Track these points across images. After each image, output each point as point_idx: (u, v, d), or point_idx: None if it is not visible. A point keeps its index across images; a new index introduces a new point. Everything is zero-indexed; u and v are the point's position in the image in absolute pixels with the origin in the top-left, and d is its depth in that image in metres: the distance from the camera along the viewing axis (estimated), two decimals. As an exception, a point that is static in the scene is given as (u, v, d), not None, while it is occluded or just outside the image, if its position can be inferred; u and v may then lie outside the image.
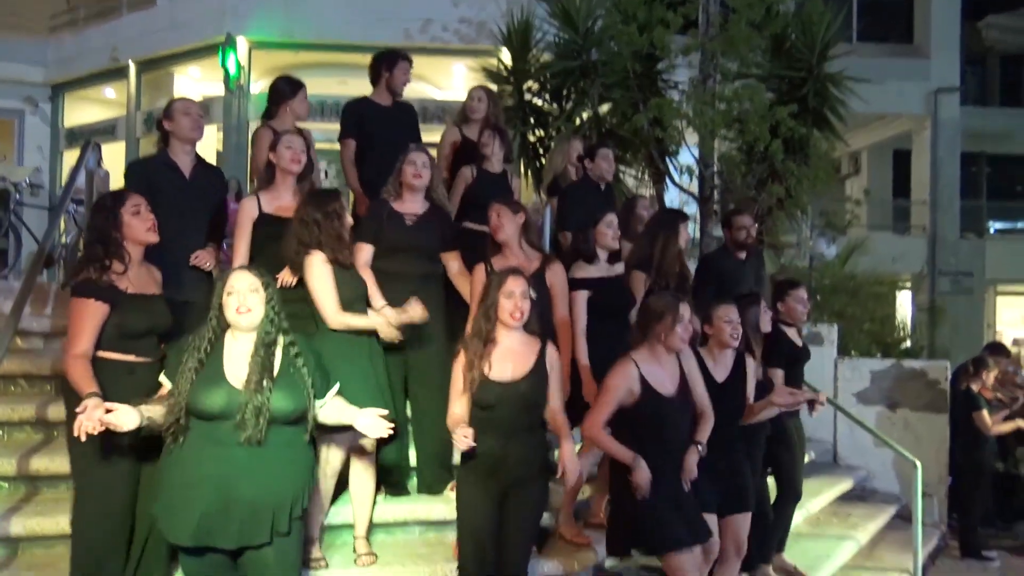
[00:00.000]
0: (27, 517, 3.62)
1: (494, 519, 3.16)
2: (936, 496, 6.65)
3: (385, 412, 3.00)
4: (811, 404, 4.17)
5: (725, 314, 3.81)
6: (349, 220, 3.70)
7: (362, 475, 3.74)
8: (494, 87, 8.16)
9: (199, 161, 4.20)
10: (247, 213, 3.94)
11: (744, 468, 3.82)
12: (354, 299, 3.67)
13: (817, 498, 5.88)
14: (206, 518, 2.73)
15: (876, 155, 18.14)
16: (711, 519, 3.68)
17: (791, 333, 4.61)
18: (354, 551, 3.73)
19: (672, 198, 11.21)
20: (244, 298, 2.85)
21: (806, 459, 6.36)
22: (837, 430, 6.95)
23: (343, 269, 3.66)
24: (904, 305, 15.77)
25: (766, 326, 4.20)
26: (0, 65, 13.94)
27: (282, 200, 3.97)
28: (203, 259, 4.02)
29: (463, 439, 3.03)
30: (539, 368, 3.23)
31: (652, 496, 3.34)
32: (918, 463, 5.27)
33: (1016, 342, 17.97)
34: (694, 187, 8.95)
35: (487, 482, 3.16)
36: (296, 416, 2.86)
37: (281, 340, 2.91)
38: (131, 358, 3.14)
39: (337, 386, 3.07)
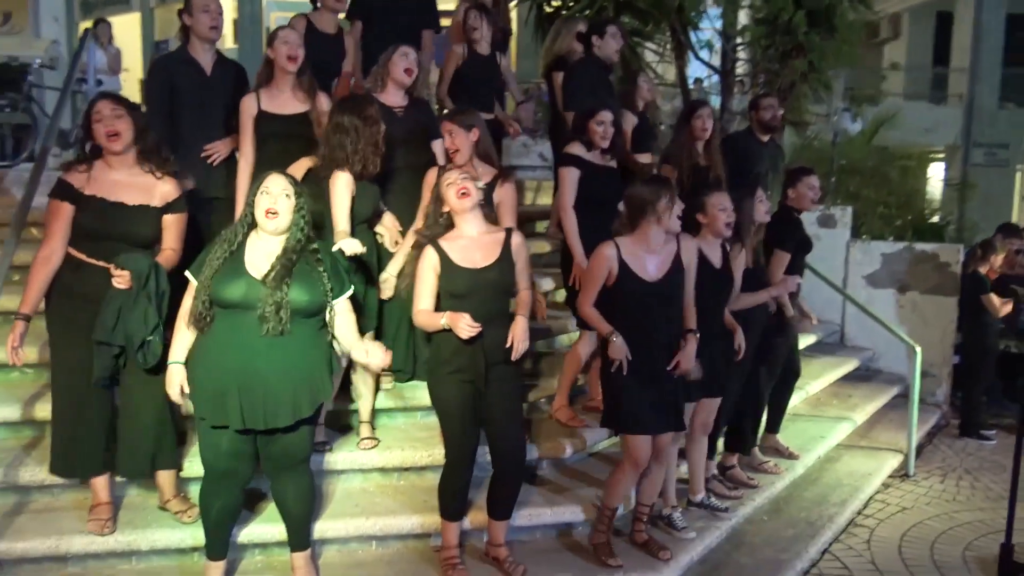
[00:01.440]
0: (49, 401, 3.82)
1: (474, 404, 3.28)
2: (940, 376, 6.74)
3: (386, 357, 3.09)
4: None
5: (719, 202, 3.79)
6: (383, 127, 3.66)
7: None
8: (511, -45, 7.85)
9: (219, 57, 4.18)
10: (247, 111, 3.93)
11: (716, 355, 3.89)
12: (372, 214, 3.74)
13: (818, 380, 6.01)
14: (232, 402, 2.91)
15: (918, 17, 17.27)
16: (687, 407, 3.80)
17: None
18: (357, 435, 3.94)
19: (695, 72, 10.87)
20: (275, 200, 2.92)
21: (813, 339, 6.50)
22: (845, 311, 7.00)
23: (366, 182, 3.67)
24: (936, 178, 15.43)
25: (761, 216, 4.20)
26: (9, -68, 13.57)
27: (282, 97, 3.95)
28: (216, 148, 4.05)
29: (468, 327, 3.11)
30: (506, 255, 3.28)
31: (630, 378, 3.44)
32: (918, 348, 5.32)
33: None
34: (716, 61, 8.68)
35: (465, 371, 3.23)
36: (313, 309, 2.98)
37: (306, 246, 3.01)
38: (81, 256, 3.22)
39: (351, 290, 3.13)
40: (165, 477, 3.49)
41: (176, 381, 2.99)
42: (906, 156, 11.41)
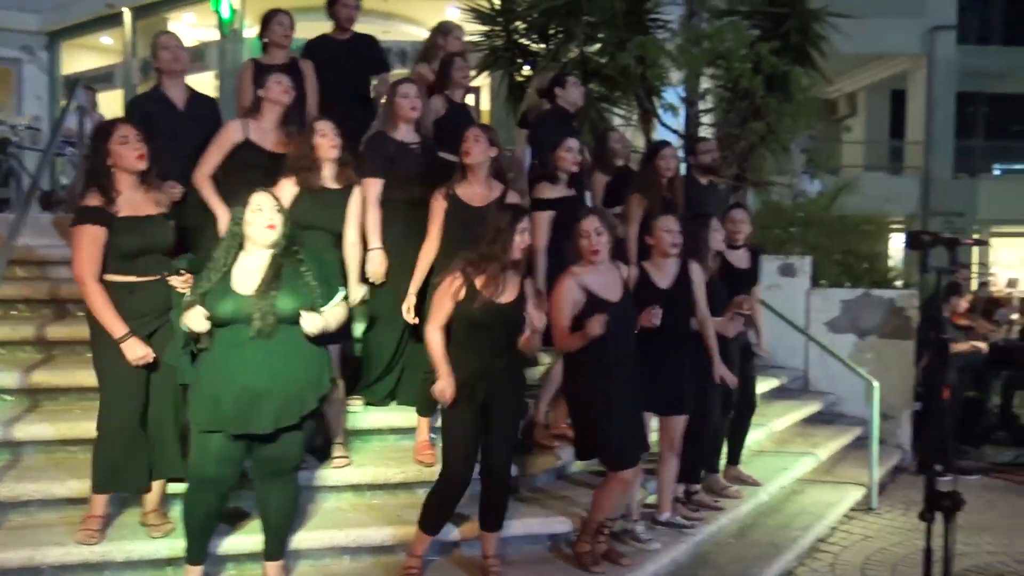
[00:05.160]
0: (28, 424, 3.94)
1: (478, 427, 3.43)
2: (900, 419, 6.91)
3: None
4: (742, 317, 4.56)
5: (664, 224, 4.03)
6: (322, 142, 3.84)
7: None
8: (484, 27, 8.31)
9: (192, 92, 4.40)
10: (230, 135, 4.05)
11: (683, 373, 4.06)
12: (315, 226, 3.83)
13: (782, 419, 6.17)
14: (226, 406, 3.06)
15: (874, 95, 18.14)
16: (650, 419, 3.96)
17: (733, 255, 4.85)
18: (329, 456, 4.04)
19: (661, 136, 11.28)
20: (272, 216, 3.13)
21: (776, 383, 6.68)
22: (808, 357, 7.20)
23: (317, 194, 3.85)
24: (899, 246, 15.92)
25: (717, 244, 4.45)
26: (-3, 12, 14.08)
27: (267, 134, 4.10)
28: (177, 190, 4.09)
29: (443, 394, 3.35)
30: (522, 292, 3.47)
31: (603, 413, 3.61)
32: (875, 382, 5.53)
33: (1010, 283, 18.16)
34: (681, 125, 9.09)
35: (473, 395, 3.40)
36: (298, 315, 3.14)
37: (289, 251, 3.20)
38: (131, 278, 3.35)
39: (342, 293, 3.34)
40: (155, 488, 3.55)
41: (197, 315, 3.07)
42: (866, 222, 11.83)
